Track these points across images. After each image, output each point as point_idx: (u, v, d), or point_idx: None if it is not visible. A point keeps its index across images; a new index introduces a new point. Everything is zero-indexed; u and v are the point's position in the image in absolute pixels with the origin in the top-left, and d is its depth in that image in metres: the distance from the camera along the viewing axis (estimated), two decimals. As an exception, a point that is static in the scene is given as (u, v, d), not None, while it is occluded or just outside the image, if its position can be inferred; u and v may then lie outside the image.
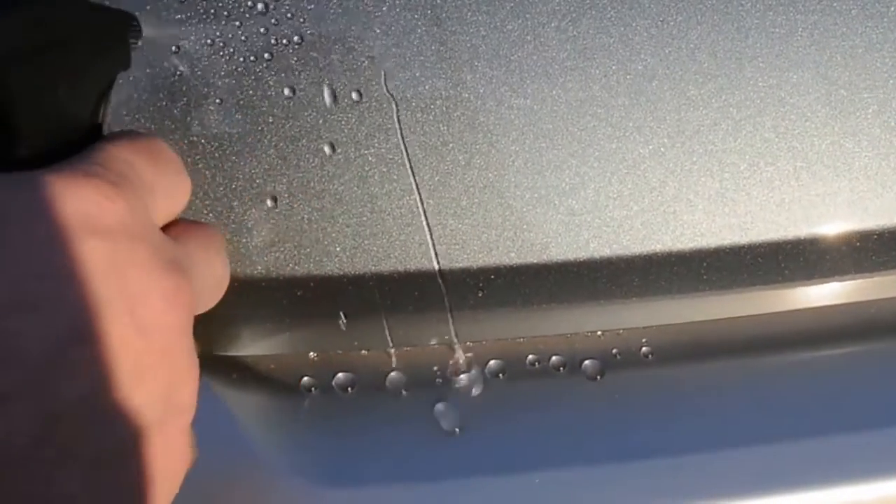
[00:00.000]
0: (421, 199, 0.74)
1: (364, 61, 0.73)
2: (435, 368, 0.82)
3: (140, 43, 0.57)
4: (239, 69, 0.71)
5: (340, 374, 0.81)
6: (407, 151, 0.73)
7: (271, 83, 0.72)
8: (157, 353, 0.48)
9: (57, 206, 0.45)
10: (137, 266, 0.47)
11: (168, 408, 0.49)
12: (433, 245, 0.75)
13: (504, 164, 0.75)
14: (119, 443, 0.46)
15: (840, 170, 0.79)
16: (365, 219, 0.74)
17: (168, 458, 0.50)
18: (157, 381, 0.48)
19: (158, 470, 0.50)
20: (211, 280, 0.57)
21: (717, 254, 0.79)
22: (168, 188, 0.53)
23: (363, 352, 0.81)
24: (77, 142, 0.51)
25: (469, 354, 0.82)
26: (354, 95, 0.73)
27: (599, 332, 0.86)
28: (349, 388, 0.81)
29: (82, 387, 0.44)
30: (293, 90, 0.72)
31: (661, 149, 0.76)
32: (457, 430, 0.79)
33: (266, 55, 0.72)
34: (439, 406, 0.80)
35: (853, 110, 0.78)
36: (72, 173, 0.46)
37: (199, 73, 0.71)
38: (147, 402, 0.47)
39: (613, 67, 0.75)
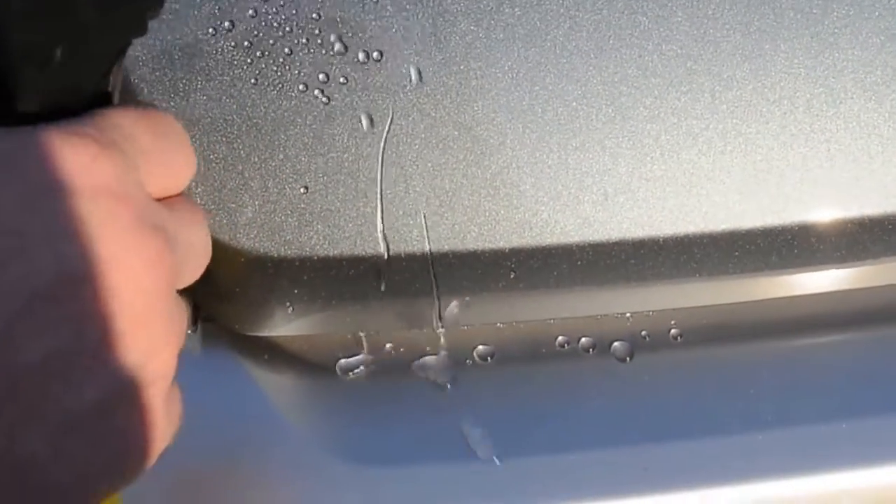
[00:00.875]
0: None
1: (399, 41, 0.72)
2: (467, 349, 0.82)
3: (159, 13, 0.55)
4: (283, 49, 0.71)
5: (372, 355, 0.81)
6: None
7: (309, 63, 0.72)
8: (131, 316, 0.46)
9: (38, 163, 0.44)
10: (118, 227, 0.46)
11: (142, 374, 0.48)
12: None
13: (537, 146, 0.75)
14: (87, 406, 0.45)
15: (874, 152, 0.79)
16: (399, 199, 0.74)
17: (140, 426, 0.49)
18: (131, 345, 0.47)
19: (129, 438, 0.49)
20: (198, 249, 0.56)
21: (749, 235, 0.79)
22: (166, 158, 0.52)
23: (396, 332, 0.81)
24: (83, 106, 0.50)
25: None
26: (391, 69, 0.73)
27: (629, 314, 0.85)
28: (381, 369, 0.81)
29: (49, 345, 0.43)
30: (327, 74, 0.72)
31: (695, 130, 0.76)
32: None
33: (311, 34, 0.71)
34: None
35: (888, 92, 0.78)
36: (60, 133, 0.45)
37: (242, 50, 0.71)
38: (118, 366, 0.46)
39: (649, 48, 0.75)
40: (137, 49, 0.70)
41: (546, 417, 0.80)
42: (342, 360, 0.81)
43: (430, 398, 0.81)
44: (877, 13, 0.76)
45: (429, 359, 0.82)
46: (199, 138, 0.71)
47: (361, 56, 0.72)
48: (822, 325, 0.87)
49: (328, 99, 0.72)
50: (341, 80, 0.72)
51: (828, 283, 0.86)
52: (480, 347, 0.83)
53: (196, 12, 0.70)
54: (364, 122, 0.73)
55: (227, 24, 0.71)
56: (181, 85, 0.70)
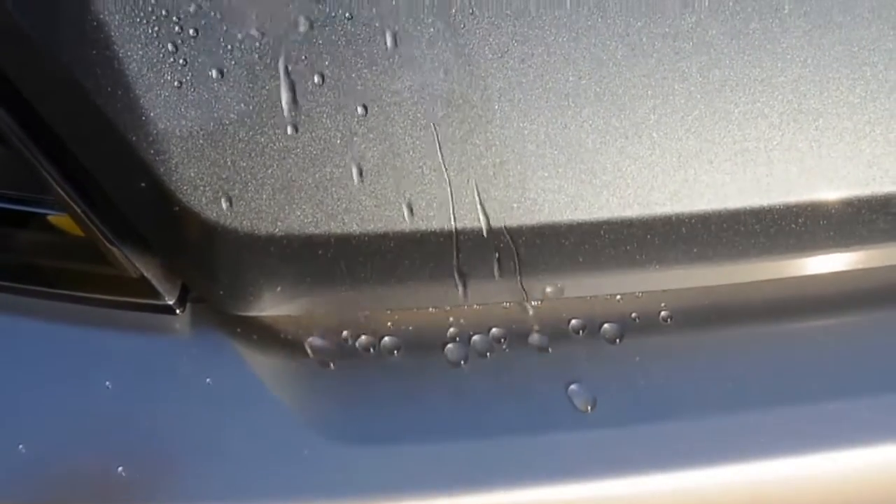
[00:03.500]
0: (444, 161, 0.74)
1: (391, 16, 0.73)
2: (452, 330, 0.83)
3: None
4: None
5: (361, 336, 0.82)
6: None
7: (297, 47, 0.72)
8: None
9: None
10: None
11: None
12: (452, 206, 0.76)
13: (525, 125, 0.75)
14: None
15: (861, 133, 0.79)
16: (387, 178, 0.74)
17: None
18: None
19: None
20: None
21: (737, 216, 0.79)
22: None
23: (385, 312, 0.82)
24: None
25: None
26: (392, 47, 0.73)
27: (619, 296, 0.86)
28: (370, 349, 0.81)
29: None
30: (316, 56, 0.73)
31: (682, 110, 0.76)
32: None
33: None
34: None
35: (875, 73, 0.78)
36: None
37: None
38: None
39: (637, 27, 0.75)
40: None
41: (535, 396, 0.80)
42: (325, 339, 0.82)
43: (415, 380, 0.81)
44: (863, -7, 0.77)
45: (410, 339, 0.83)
46: (190, 114, 0.71)
47: (346, 31, 0.73)
48: (810, 308, 0.88)
49: (322, 79, 0.72)
50: (329, 60, 0.73)
51: (816, 266, 0.86)
52: (468, 328, 0.83)
53: None
54: (355, 104, 0.73)
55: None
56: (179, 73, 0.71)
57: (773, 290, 0.88)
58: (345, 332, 0.82)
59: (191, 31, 0.71)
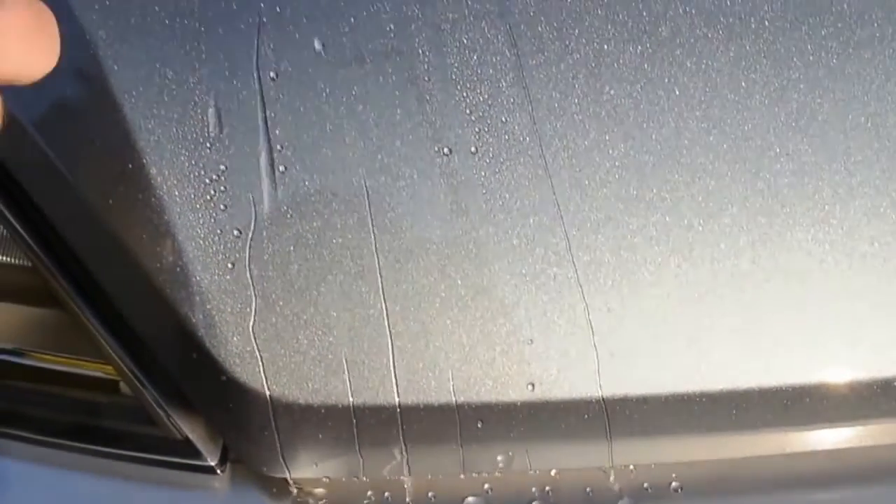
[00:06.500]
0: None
1: (423, 208, 0.78)
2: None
3: None
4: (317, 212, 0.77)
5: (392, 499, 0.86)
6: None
7: (338, 223, 0.78)
8: None
9: None
10: None
11: None
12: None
13: (548, 307, 0.79)
14: None
15: (865, 316, 0.83)
16: (419, 353, 0.79)
17: None
18: None
19: None
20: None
21: (746, 394, 0.83)
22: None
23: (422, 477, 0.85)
24: None
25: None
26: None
27: (632, 466, 0.89)
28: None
29: None
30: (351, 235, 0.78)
31: (695, 295, 0.81)
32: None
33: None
34: None
35: (876, 262, 0.83)
36: None
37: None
38: None
39: (654, 219, 0.80)
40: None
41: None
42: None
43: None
44: (858, 181, 0.82)
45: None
46: (238, 293, 0.77)
47: (384, 221, 0.78)
48: (817, 483, 0.91)
49: (358, 260, 0.78)
50: (363, 237, 0.78)
51: (822, 442, 0.90)
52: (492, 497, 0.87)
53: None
54: (384, 281, 0.79)
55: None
56: (230, 255, 0.77)
57: (779, 464, 0.91)
58: (380, 497, 0.86)
59: (242, 220, 0.77)
